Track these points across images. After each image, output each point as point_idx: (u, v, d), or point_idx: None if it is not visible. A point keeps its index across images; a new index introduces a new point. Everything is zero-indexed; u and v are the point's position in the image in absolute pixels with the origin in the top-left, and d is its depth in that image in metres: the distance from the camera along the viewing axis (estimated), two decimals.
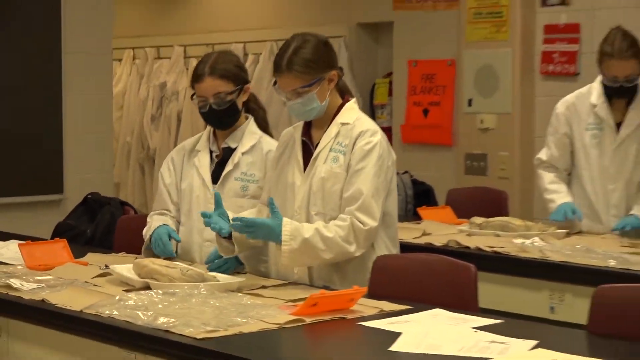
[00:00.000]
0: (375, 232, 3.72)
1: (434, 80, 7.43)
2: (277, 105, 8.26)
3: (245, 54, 8.67)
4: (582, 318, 3.29)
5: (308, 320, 3.25)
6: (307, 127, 3.90)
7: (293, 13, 8.40)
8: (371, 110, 8.03)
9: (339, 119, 3.83)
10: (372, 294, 3.62)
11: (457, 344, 2.94)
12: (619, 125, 5.20)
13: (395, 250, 3.90)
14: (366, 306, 3.45)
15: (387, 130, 7.83)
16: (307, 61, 3.71)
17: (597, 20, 6.47)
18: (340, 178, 3.75)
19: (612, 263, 4.31)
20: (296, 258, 3.71)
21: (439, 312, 3.38)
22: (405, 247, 4.03)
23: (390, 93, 7.86)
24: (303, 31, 3.86)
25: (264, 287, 3.76)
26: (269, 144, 4.26)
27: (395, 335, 3.04)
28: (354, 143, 3.76)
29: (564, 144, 5.34)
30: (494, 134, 6.86)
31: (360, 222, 3.66)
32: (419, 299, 3.55)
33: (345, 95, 3.91)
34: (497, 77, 6.90)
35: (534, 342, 2.95)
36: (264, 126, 4.36)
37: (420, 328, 3.12)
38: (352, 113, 3.86)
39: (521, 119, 6.82)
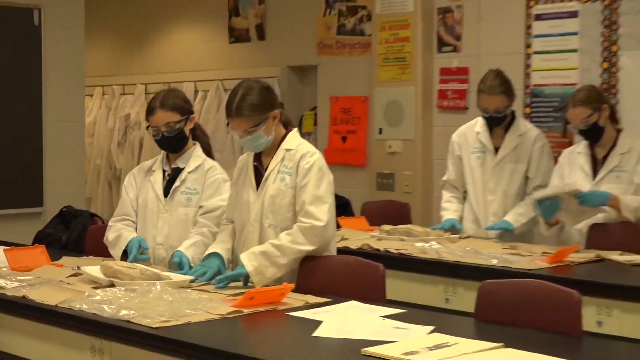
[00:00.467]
0: (323, 230, 3.72)
1: (350, 112, 7.45)
2: (222, 134, 8.25)
3: (196, 91, 8.64)
4: (470, 307, 3.30)
5: (246, 311, 3.25)
6: (258, 154, 3.92)
7: (235, 57, 8.38)
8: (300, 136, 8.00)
9: (284, 145, 3.84)
10: (299, 289, 3.63)
11: (368, 329, 2.95)
12: (497, 149, 5.28)
13: (334, 250, 3.93)
14: (294, 299, 3.46)
15: None
16: (253, 106, 3.72)
17: (482, 64, 6.52)
18: (287, 194, 3.79)
19: (495, 262, 4.35)
20: (263, 271, 3.70)
21: (353, 304, 3.39)
22: None
23: (315, 123, 7.86)
24: (248, 79, 3.86)
25: (210, 284, 3.75)
26: (210, 164, 4.31)
27: (317, 323, 3.04)
28: (298, 165, 3.79)
29: (459, 166, 5.42)
30: (400, 157, 6.89)
31: (304, 223, 3.71)
32: (337, 293, 3.55)
33: (288, 126, 3.92)
34: (402, 110, 6.93)
35: (431, 327, 2.97)
36: (207, 150, 4.38)
37: (338, 317, 3.12)
38: (294, 140, 3.87)
39: (422, 145, 6.85)
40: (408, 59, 6.87)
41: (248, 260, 3.70)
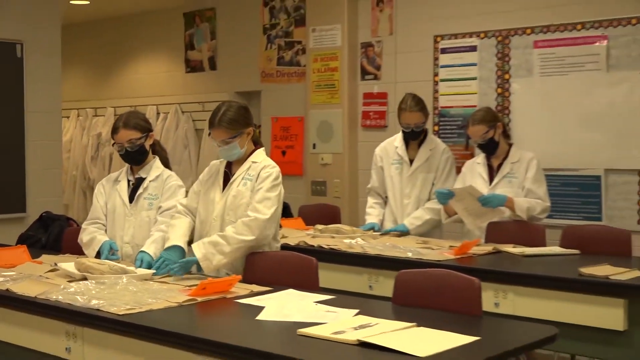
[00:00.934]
0: (265, 223, 3.72)
1: (289, 131, 7.43)
2: (180, 149, 8.18)
3: (158, 113, 8.55)
4: (390, 293, 3.30)
5: (199, 299, 3.22)
6: (229, 163, 3.92)
7: (190, 84, 8.31)
8: None
9: (251, 158, 3.87)
10: (245, 280, 3.60)
11: (303, 313, 2.94)
12: (412, 160, 5.31)
13: (278, 248, 3.93)
14: (241, 288, 3.43)
15: None
16: (232, 120, 3.75)
17: (399, 90, 6.57)
18: (246, 196, 3.79)
19: (410, 254, 4.36)
20: (210, 258, 3.69)
21: (291, 292, 3.37)
22: None
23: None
24: (229, 99, 3.95)
25: (169, 276, 3.70)
26: (168, 173, 4.26)
27: (260, 309, 3.02)
28: (258, 174, 3.79)
29: (381, 175, 5.43)
30: (331, 168, 6.89)
31: (249, 217, 3.71)
32: (278, 282, 3.53)
33: (257, 144, 3.95)
34: (332, 129, 6.93)
35: (356, 310, 2.97)
36: (165, 163, 4.33)
37: (278, 303, 3.10)
38: (260, 156, 3.89)
39: (349, 157, 6.86)
40: (336, 85, 6.88)
41: (198, 249, 3.73)
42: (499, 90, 6.02)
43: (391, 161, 5.38)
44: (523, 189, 4.92)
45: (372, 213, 5.39)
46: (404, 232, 5.14)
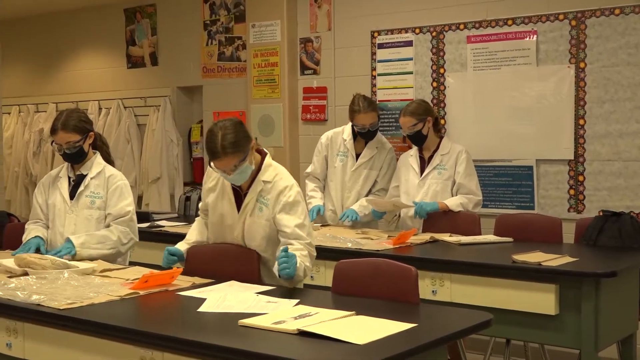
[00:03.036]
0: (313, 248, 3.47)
1: None
2: (123, 143, 8.06)
3: (100, 108, 8.40)
4: (330, 283, 3.29)
5: (142, 292, 3.17)
6: None
7: (132, 80, 8.19)
8: (189, 146, 7.91)
9: (261, 177, 3.46)
10: (187, 272, 3.55)
11: (244, 304, 2.91)
12: (359, 155, 5.31)
13: None
14: (183, 281, 3.39)
15: (200, 160, 7.75)
16: (236, 143, 3.29)
17: (338, 84, 6.56)
18: (262, 225, 3.45)
19: (349, 245, 4.37)
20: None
21: (233, 283, 3.34)
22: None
23: (201, 134, 7.75)
24: (216, 123, 3.35)
25: (111, 270, 3.63)
26: (110, 171, 4.14)
27: (202, 300, 2.99)
28: (277, 199, 3.43)
29: (323, 163, 5.42)
30: None
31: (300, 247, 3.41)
32: (220, 275, 3.49)
33: (261, 151, 3.54)
34: (273, 123, 6.90)
35: (296, 301, 2.96)
36: (107, 158, 4.23)
37: (220, 294, 3.07)
38: (271, 171, 3.48)
39: (290, 151, 6.84)
40: (277, 80, 6.85)
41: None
42: (434, 84, 6.05)
43: (337, 152, 5.37)
44: (454, 184, 4.97)
45: (316, 196, 5.38)
46: (355, 219, 5.13)
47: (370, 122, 5.20)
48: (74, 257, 3.81)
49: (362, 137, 5.27)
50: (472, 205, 4.91)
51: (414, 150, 5.17)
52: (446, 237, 4.57)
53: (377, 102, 6.31)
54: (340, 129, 5.45)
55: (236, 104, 7.31)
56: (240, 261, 3.54)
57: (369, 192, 5.30)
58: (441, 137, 5.12)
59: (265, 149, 3.56)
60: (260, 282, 3.40)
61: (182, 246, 3.70)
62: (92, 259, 3.85)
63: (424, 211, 4.86)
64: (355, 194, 5.28)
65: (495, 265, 3.88)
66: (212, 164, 3.38)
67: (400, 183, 5.17)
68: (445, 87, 6.00)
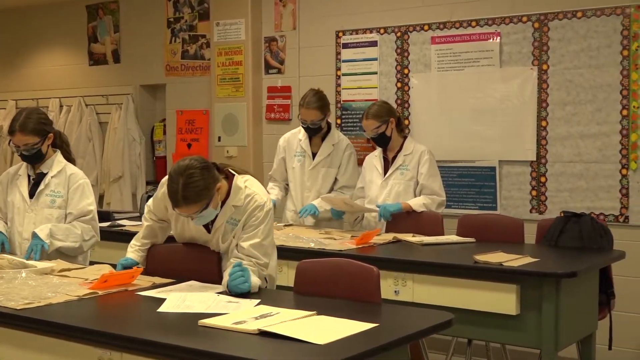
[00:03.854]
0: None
1: (194, 124, 7.34)
2: (84, 142, 7.98)
3: (61, 106, 8.31)
4: (292, 283, 3.28)
5: (101, 292, 3.14)
6: None
7: (94, 77, 8.11)
8: (152, 144, 7.86)
9: (231, 201, 3.34)
10: (147, 272, 3.52)
11: (205, 304, 2.90)
12: (315, 154, 5.31)
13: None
14: (143, 280, 3.37)
15: (163, 158, 7.70)
16: (199, 193, 3.13)
17: (303, 84, 6.55)
18: (233, 244, 3.38)
19: (312, 245, 4.36)
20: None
21: (193, 283, 3.32)
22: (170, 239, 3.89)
23: (164, 132, 7.70)
24: (188, 161, 3.16)
25: (69, 269, 3.59)
26: (72, 170, 4.08)
27: (162, 300, 2.96)
28: (246, 222, 3.35)
29: (282, 165, 5.42)
30: (236, 160, 6.82)
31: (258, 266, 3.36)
32: (180, 275, 3.46)
33: (228, 175, 3.37)
34: (237, 122, 6.88)
35: (257, 301, 2.95)
36: (68, 157, 4.17)
37: (180, 294, 3.04)
38: (240, 194, 3.35)
39: (254, 150, 6.82)
40: (241, 79, 6.82)
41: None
42: (399, 84, 6.07)
43: (294, 153, 5.37)
44: (418, 184, 4.98)
45: (272, 192, 5.39)
46: (314, 214, 5.13)
47: (312, 119, 5.17)
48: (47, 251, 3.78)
49: (306, 132, 5.27)
50: (436, 206, 4.93)
51: (378, 151, 5.18)
52: (409, 237, 4.59)
53: (342, 102, 6.32)
54: (297, 130, 5.45)
55: (200, 102, 7.27)
56: (201, 261, 3.52)
57: (331, 190, 5.30)
58: (405, 137, 5.13)
59: (232, 170, 3.41)
60: (220, 282, 3.37)
61: (135, 255, 3.62)
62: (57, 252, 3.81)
63: (388, 212, 4.87)
64: (315, 193, 5.28)
65: (457, 266, 3.90)
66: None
67: (364, 184, 5.18)
68: (409, 88, 6.02)
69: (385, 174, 5.07)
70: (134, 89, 7.78)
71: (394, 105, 5.93)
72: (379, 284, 3.05)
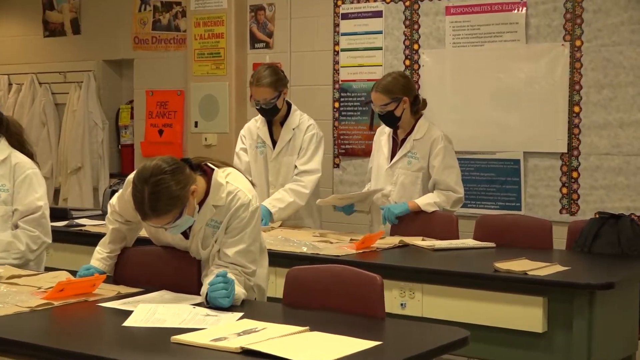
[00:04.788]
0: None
1: (167, 106, 7.34)
2: (37, 127, 7.98)
3: (10, 84, 8.30)
4: (281, 293, 3.28)
5: (57, 303, 3.14)
6: None
7: (50, 51, 8.09)
8: (117, 130, 7.86)
9: (211, 201, 3.32)
10: (112, 280, 3.52)
11: (179, 318, 2.90)
12: (277, 142, 5.26)
13: None
14: (106, 290, 3.36)
15: (130, 146, 7.70)
16: (170, 202, 3.10)
17: (294, 61, 6.56)
18: (214, 248, 3.37)
19: (304, 249, 4.36)
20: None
21: (165, 293, 3.32)
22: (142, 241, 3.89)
23: (132, 116, 7.70)
24: (145, 170, 3.10)
25: (19, 276, 3.58)
26: (17, 159, 3.99)
27: (128, 313, 2.96)
28: (229, 223, 3.33)
29: (245, 159, 5.34)
30: (215, 150, 6.82)
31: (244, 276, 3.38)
32: (150, 283, 3.46)
33: (206, 170, 3.34)
34: (217, 104, 6.88)
35: (240, 314, 2.95)
36: (19, 143, 4.09)
37: (149, 306, 3.04)
38: (221, 192, 3.33)
39: (236, 138, 6.78)
40: (222, 54, 6.83)
41: None
42: (407, 62, 6.08)
43: (255, 144, 5.33)
44: (429, 177, 4.94)
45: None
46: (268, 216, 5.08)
47: (265, 97, 5.11)
48: None
49: (262, 115, 5.24)
50: (451, 204, 4.90)
51: (387, 129, 5.12)
52: (418, 241, 4.59)
53: (340, 83, 6.33)
54: (258, 117, 5.37)
55: (173, 81, 7.28)
56: (175, 266, 3.51)
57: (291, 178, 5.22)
58: (418, 118, 5.03)
59: (212, 164, 3.39)
60: (198, 292, 3.37)
61: (101, 264, 3.59)
62: None
63: (393, 215, 4.86)
64: (280, 188, 5.21)
65: (474, 275, 3.90)
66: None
67: (373, 165, 5.17)
68: (419, 66, 6.03)
69: (392, 158, 5.05)
70: (96, 65, 7.78)
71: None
72: (382, 296, 3.05)
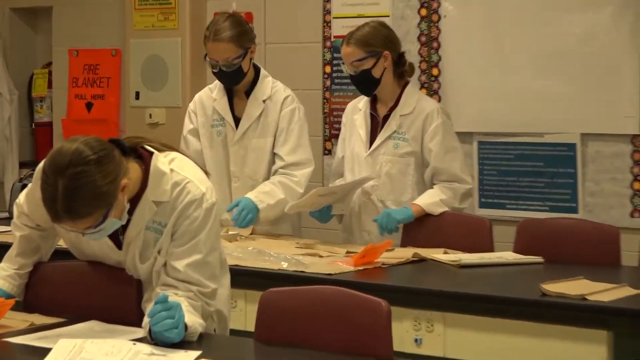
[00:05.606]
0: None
1: (97, 71, 7.34)
2: None
3: None
4: (252, 325, 3.27)
5: None
6: None
7: None
8: (29, 103, 7.85)
9: (150, 195, 3.31)
10: (24, 307, 3.52)
11: (113, 358, 2.88)
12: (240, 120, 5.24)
13: None
14: (15, 320, 3.36)
15: (47, 125, 7.69)
16: (91, 202, 3.08)
17: (269, 10, 6.57)
18: (158, 263, 3.38)
19: (285, 265, 4.36)
20: None
21: (94, 324, 3.32)
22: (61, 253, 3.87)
23: (50, 85, 7.71)
24: (62, 156, 3.09)
25: None
26: None
27: (46, 351, 2.94)
28: (175, 224, 3.33)
29: (196, 143, 5.31)
30: (164, 129, 6.81)
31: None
32: (75, 311, 3.45)
33: (142, 155, 3.33)
34: (166, 69, 6.88)
35: (197, 353, 2.93)
36: None
37: (74, 342, 3.03)
38: (164, 182, 3.32)
39: None
40: (173, 2, 6.83)
41: None
42: (424, 11, 6.08)
43: (211, 122, 5.29)
44: (425, 164, 4.94)
45: None
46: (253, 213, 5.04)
47: (225, 57, 5.08)
48: None
49: (221, 81, 5.22)
50: (459, 199, 4.92)
51: (363, 102, 5.15)
52: (439, 254, 4.60)
53: (333, 40, 6.33)
54: (213, 84, 5.38)
55: (106, 37, 7.31)
56: (107, 287, 3.50)
57: (274, 173, 5.19)
58: (404, 85, 5.07)
59: (150, 147, 3.37)
60: (140, 322, 3.36)
61: (6, 284, 3.57)
62: None
63: (394, 222, 4.83)
64: (245, 182, 5.17)
65: (515, 300, 3.90)
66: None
67: (345, 153, 5.16)
68: (439, 18, 6.03)
69: (371, 144, 5.06)
70: (1, 15, 7.76)
71: (414, 44, 5.94)
72: (389, 329, 3.05)
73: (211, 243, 3.36)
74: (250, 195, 5.07)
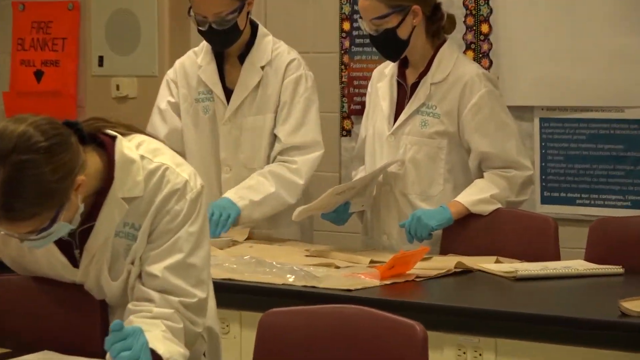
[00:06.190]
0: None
1: (49, 30, 7.37)
2: None
3: None
4: (250, 351, 3.32)
5: None
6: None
7: None
8: None
9: (117, 191, 3.33)
10: None
11: None
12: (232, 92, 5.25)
13: None
14: None
15: None
16: (36, 202, 3.10)
17: None
18: (132, 276, 3.41)
19: (291, 279, 4.38)
20: None
21: (49, 354, 3.35)
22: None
23: None
24: (3, 141, 3.07)
25: None
26: None
27: None
28: (153, 224, 3.36)
29: (173, 120, 5.33)
30: (135, 104, 6.85)
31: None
32: (27, 339, 3.49)
33: (104, 142, 3.34)
34: (138, 27, 6.90)
35: None
36: None
37: None
38: (134, 172, 3.34)
39: None
40: None
41: None
42: None
43: (195, 96, 5.29)
44: (468, 149, 4.97)
45: None
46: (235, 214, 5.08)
47: (215, 12, 5.09)
48: None
49: (210, 43, 5.26)
50: (517, 191, 4.92)
51: (391, 66, 5.19)
52: (489, 263, 4.62)
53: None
54: (199, 47, 5.42)
55: None
56: (64, 309, 3.53)
57: (273, 160, 5.20)
58: (440, 44, 5.09)
59: (111, 132, 3.39)
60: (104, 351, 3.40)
61: None
62: None
63: (426, 230, 4.83)
64: (239, 170, 5.24)
65: (587, 322, 3.92)
66: None
67: (367, 133, 5.20)
68: None
69: (395, 119, 5.09)
70: None
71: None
72: (426, 358, 3.07)
73: (195, 240, 3.36)
74: (229, 192, 5.11)
